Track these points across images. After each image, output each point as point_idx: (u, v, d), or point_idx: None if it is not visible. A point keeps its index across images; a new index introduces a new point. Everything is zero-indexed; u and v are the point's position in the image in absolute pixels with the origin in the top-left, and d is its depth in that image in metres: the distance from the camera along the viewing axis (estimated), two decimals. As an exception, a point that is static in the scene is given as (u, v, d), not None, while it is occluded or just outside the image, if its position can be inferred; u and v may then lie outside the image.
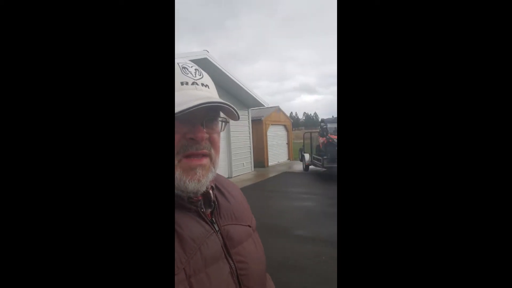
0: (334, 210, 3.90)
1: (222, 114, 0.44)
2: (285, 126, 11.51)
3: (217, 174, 0.50)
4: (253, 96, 7.54)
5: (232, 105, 0.40)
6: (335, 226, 3.22)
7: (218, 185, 0.51)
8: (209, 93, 0.42)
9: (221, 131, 0.44)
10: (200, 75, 0.43)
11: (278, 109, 10.73)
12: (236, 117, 0.43)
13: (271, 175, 7.74)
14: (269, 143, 9.85)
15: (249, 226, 0.52)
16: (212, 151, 0.42)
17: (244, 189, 5.77)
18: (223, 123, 0.44)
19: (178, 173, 0.38)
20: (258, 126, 9.31)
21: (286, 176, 7.60)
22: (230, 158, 7.42)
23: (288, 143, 11.69)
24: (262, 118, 9.44)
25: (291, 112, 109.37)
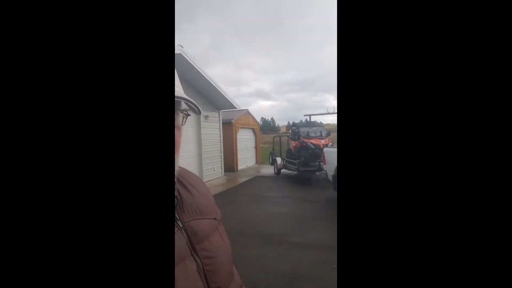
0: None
1: (183, 106, 0.40)
2: (253, 129, 11.42)
3: (180, 167, 0.47)
4: (225, 97, 7.24)
5: (191, 99, 0.38)
6: (330, 230, 3.17)
7: (180, 179, 0.48)
8: None
9: (182, 125, 0.40)
10: None
11: (247, 112, 10.58)
12: (197, 112, 0.40)
13: (243, 179, 7.51)
14: (238, 146, 9.61)
15: (215, 219, 0.50)
16: None
17: (220, 195, 5.43)
18: (184, 117, 0.40)
19: None
20: (228, 129, 9.01)
21: (260, 180, 7.45)
22: (201, 162, 6.97)
23: (256, 147, 11.61)
24: (232, 121, 9.17)
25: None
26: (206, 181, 6.90)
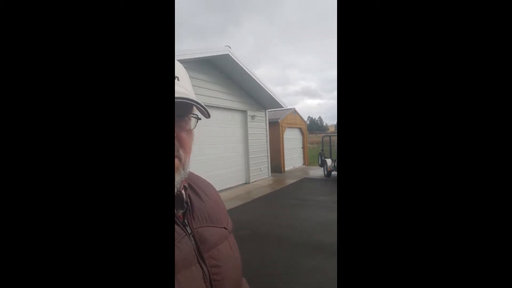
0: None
1: (194, 110, 0.40)
2: (300, 129, 11.04)
3: (192, 173, 0.48)
4: (272, 96, 7.08)
5: (200, 103, 0.38)
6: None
7: (192, 185, 0.48)
8: (179, 87, 0.37)
9: (192, 128, 0.41)
10: None
11: (294, 111, 10.26)
12: (206, 115, 0.40)
13: (291, 181, 7.24)
14: (285, 147, 9.37)
15: (225, 228, 0.49)
16: (181, 151, 0.39)
17: (267, 197, 5.28)
18: (195, 120, 0.40)
19: None
20: (275, 129, 8.85)
21: (308, 182, 7.09)
22: (248, 162, 6.94)
23: (303, 147, 11.21)
24: (279, 121, 8.98)
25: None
26: (252, 182, 6.91)
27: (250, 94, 6.91)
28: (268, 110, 8.02)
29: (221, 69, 5.71)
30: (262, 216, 3.97)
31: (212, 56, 5.02)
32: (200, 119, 0.41)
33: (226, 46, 5.27)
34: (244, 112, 6.85)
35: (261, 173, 7.52)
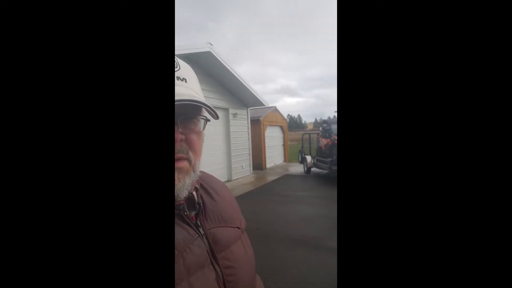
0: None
1: (203, 112, 0.40)
2: (281, 127, 11.21)
3: (204, 173, 0.49)
4: (253, 95, 7.13)
5: (208, 104, 0.38)
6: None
7: (204, 185, 0.48)
8: (186, 89, 0.38)
9: (202, 130, 0.40)
10: (177, 66, 0.38)
11: (275, 110, 10.39)
12: (215, 116, 0.40)
13: (272, 178, 7.37)
14: (267, 144, 9.48)
15: (238, 227, 0.48)
16: (190, 153, 0.38)
17: (249, 194, 5.35)
18: (204, 122, 0.40)
19: None
20: (256, 127, 8.92)
21: (289, 179, 7.25)
22: (229, 160, 6.95)
23: (284, 145, 11.40)
24: (261, 119, 9.06)
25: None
26: (234, 179, 6.93)
27: (232, 92, 6.91)
28: (250, 108, 8.06)
29: (202, 67, 5.65)
30: (245, 213, 4.02)
31: (193, 53, 4.96)
32: (209, 120, 0.41)
33: (208, 43, 5.22)
34: (226, 110, 6.83)
35: (243, 170, 7.56)
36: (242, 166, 7.55)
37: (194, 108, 0.38)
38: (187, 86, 0.38)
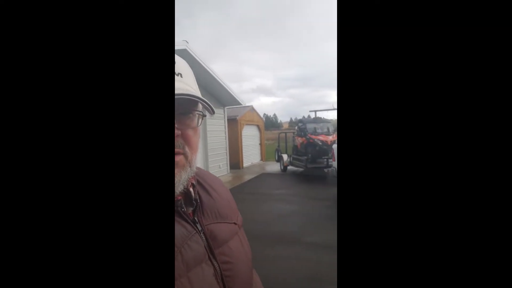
0: (332, 212, 3.76)
1: (199, 107, 0.40)
2: (258, 126, 11.30)
3: (201, 169, 0.49)
4: (230, 94, 7.13)
5: (205, 99, 0.38)
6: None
7: (201, 181, 0.48)
8: (182, 83, 0.37)
9: (198, 126, 0.40)
10: None
11: (252, 109, 10.46)
12: (211, 112, 0.40)
13: (250, 176, 7.42)
14: (244, 143, 9.52)
15: (235, 223, 0.49)
16: (187, 148, 0.38)
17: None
18: (200, 117, 0.40)
19: None
20: (233, 126, 8.91)
21: (266, 177, 7.36)
22: (206, 160, 6.89)
23: (261, 144, 11.51)
24: (237, 118, 9.07)
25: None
26: (212, 179, 6.84)
27: (208, 91, 6.84)
28: (227, 107, 8.04)
29: (178, 64, 5.52)
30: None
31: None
32: (205, 116, 0.41)
33: (184, 40, 5.13)
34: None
35: (220, 170, 7.53)
36: (219, 165, 7.51)
37: (190, 103, 0.37)
38: (183, 81, 0.38)
